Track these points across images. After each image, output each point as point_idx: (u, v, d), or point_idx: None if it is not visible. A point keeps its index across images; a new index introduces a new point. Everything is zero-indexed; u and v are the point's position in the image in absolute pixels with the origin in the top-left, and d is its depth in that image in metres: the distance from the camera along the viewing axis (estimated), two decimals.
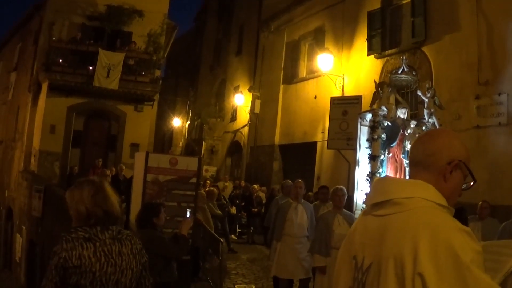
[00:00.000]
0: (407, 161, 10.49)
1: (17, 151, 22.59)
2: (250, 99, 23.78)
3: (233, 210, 16.71)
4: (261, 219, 14.67)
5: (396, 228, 1.77)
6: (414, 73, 12.12)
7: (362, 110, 13.08)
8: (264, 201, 16.02)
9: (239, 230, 17.06)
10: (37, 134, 19.77)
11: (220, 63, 30.25)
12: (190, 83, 35.32)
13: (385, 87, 11.41)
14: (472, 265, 1.60)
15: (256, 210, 15.92)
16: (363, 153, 11.13)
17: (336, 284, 2.07)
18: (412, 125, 10.92)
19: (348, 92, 17.08)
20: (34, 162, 19.75)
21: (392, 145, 10.91)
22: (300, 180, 8.59)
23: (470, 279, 1.58)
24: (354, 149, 11.89)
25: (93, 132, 20.68)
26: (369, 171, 10.65)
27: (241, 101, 24.59)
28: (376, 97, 11.42)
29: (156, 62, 20.69)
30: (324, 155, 17.88)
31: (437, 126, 10.47)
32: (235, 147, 26.52)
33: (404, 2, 15.76)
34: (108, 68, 18.86)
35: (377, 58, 16.14)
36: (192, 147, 29.92)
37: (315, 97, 19.05)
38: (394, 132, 10.91)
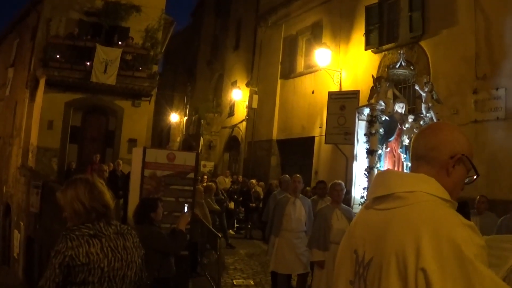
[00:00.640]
0: (405, 156, 10.60)
1: (14, 147, 22.52)
2: (248, 94, 23.77)
3: (231, 205, 16.69)
4: (259, 214, 14.67)
5: (398, 223, 1.73)
6: (411, 68, 12.09)
7: (360, 105, 13.07)
8: (262, 196, 16.01)
9: (237, 225, 17.06)
10: (35, 130, 19.71)
11: (217, 58, 30.21)
12: (188, 78, 35.27)
13: (382, 81, 11.37)
14: (476, 260, 1.57)
15: (254, 205, 15.92)
16: (360, 147, 11.12)
17: (336, 277, 2.05)
18: (409, 120, 10.91)
19: (346, 87, 17.06)
20: (31, 158, 19.69)
21: (390, 139, 10.90)
22: (298, 175, 8.58)
23: (474, 274, 1.55)
24: (352, 144, 11.86)
25: (91, 127, 20.62)
26: (367, 165, 10.64)
27: (239, 96, 24.57)
28: (373, 91, 11.39)
29: (153, 58, 20.64)
30: (322, 150, 17.86)
31: (435, 121, 10.43)
32: (232, 142, 26.51)
33: None
34: (105, 64, 18.80)
35: (375, 52, 16.11)
36: (189, 142, 29.89)
37: (313, 92, 19.02)
38: (392, 127, 10.89)
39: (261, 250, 13.02)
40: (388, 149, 10.93)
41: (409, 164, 9.55)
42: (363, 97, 14.08)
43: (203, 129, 27.83)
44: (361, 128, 11.26)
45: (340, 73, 17.62)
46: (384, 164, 10.82)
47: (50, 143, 19.22)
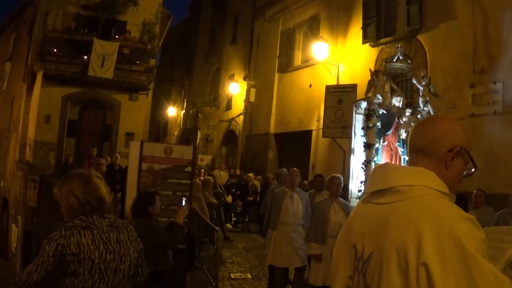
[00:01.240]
0: (402, 149, 10.61)
1: (12, 141, 22.51)
2: (245, 88, 23.74)
3: (229, 199, 16.72)
4: (257, 207, 14.67)
5: (398, 217, 1.72)
6: (409, 62, 12.09)
7: (357, 99, 13.04)
8: (259, 190, 16.02)
9: (235, 219, 17.07)
10: (32, 124, 19.69)
11: (215, 52, 30.15)
12: (185, 72, 35.25)
13: (380, 75, 11.38)
14: (477, 254, 1.56)
15: (251, 198, 15.93)
16: (358, 141, 11.13)
17: (335, 273, 2.03)
18: (407, 114, 10.92)
19: (343, 81, 17.04)
20: (29, 152, 19.68)
21: (387, 133, 10.91)
22: (295, 169, 8.54)
23: (476, 268, 1.54)
24: (349, 138, 11.87)
25: (88, 121, 20.60)
26: (364, 159, 10.66)
27: (236, 90, 24.52)
28: (371, 85, 11.39)
29: (150, 51, 20.61)
30: (319, 144, 17.85)
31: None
32: (230, 136, 26.49)
33: None
34: (102, 58, 18.78)
35: (372, 46, 16.07)
36: (187, 136, 29.89)
37: (310, 86, 19.00)
38: (389, 121, 10.90)
39: (258, 244, 13.04)
40: (386, 143, 10.94)
41: (407, 158, 9.56)
42: (361, 91, 14.07)
43: (201, 122, 27.80)
44: (358, 121, 11.27)
45: (338, 67, 17.59)
46: (382, 158, 10.83)
47: (48, 137, 19.21)
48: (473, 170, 1.93)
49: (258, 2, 23.88)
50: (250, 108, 23.31)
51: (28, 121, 20.33)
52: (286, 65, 21.26)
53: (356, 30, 16.90)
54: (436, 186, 1.76)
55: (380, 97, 10.93)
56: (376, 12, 16.09)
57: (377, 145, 10.80)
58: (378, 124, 10.81)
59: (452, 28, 13.26)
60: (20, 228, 16.95)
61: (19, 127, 21.18)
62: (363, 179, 10.51)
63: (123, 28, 20.22)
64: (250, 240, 14.04)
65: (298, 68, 20.48)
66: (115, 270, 3.02)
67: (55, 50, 18.92)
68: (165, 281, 5.90)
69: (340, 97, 15.46)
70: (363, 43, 16.43)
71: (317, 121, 17.88)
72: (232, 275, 10.18)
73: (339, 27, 17.88)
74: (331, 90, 16.06)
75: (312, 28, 19.68)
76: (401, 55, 11.63)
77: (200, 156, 23.91)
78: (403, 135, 10.71)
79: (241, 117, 24.52)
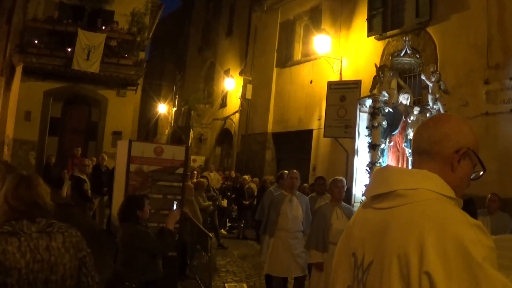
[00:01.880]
0: (410, 150, 10.62)
1: None
2: (241, 84, 23.75)
3: (224, 203, 16.73)
4: (253, 212, 14.70)
5: (399, 223, 1.72)
6: (417, 56, 12.14)
7: (362, 96, 13.09)
8: (256, 193, 16.03)
9: (230, 224, 17.07)
10: (11, 121, 19.66)
11: (209, 45, 30.15)
12: (177, 67, 35.26)
13: (386, 70, 11.42)
14: (485, 263, 1.55)
15: (247, 202, 15.93)
16: (362, 141, 11.17)
17: (333, 283, 2.04)
18: (415, 112, 10.95)
19: (347, 76, 17.06)
20: (7, 151, 19.66)
21: (393, 133, 10.94)
22: (295, 171, 8.55)
23: (483, 278, 1.53)
24: (353, 138, 11.93)
25: (72, 119, 20.61)
26: (369, 161, 10.69)
27: (232, 85, 24.55)
28: (376, 81, 11.44)
29: (140, 44, 20.63)
30: (320, 144, 17.88)
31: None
32: (225, 135, 26.52)
33: None
34: (88, 50, 18.78)
35: (378, 39, 16.09)
36: (178, 135, 29.90)
37: (311, 82, 19.03)
38: (396, 119, 10.93)
39: (255, 251, 13.04)
40: (392, 143, 10.98)
41: None
42: (365, 88, 14.09)
43: (193, 121, 27.81)
44: (362, 120, 11.31)
45: (341, 62, 17.62)
46: (387, 160, 10.86)
47: (28, 136, 19.19)
48: (481, 173, 1.91)
49: None
50: (246, 105, 23.32)
51: (7, 118, 20.29)
52: (285, 60, 21.28)
53: (360, 22, 16.92)
54: (441, 190, 1.76)
55: (386, 94, 10.97)
56: (382, 2, 16.11)
57: (382, 145, 10.84)
58: (384, 123, 10.85)
59: (465, 20, 13.24)
60: None
61: None
62: (368, 182, 10.54)
63: (110, 18, 20.23)
64: (246, 247, 14.05)
65: (298, 63, 20.50)
66: (45, 282, 2.93)
67: (36, 41, 18.93)
68: None
69: (343, 94, 15.50)
70: (368, 36, 16.45)
71: (318, 119, 17.90)
72: (226, 285, 10.18)
73: (342, 18, 17.90)
74: (333, 87, 16.09)
75: (313, 20, 19.72)
76: (409, 49, 11.69)
77: (192, 157, 23.93)
78: (411, 135, 10.73)
79: (237, 115, 24.54)
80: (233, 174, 19.56)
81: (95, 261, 3.26)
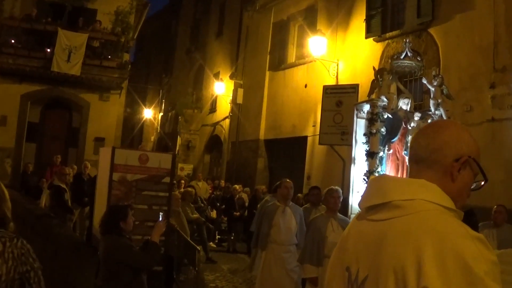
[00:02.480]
0: None
1: None
2: (232, 88, 23.77)
3: (213, 214, 16.70)
4: (244, 224, 14.67)
5: (396, 235, 1.71)
6: (419, 59, 12.15)
7: (359, 101, 13.12)
8: (247, 204, 16.01)
9: (219, 236, 17.05)
10: None
11: (198, 46, 30.18)
12: (164, 69, 35.25)
13: (385, 74, 11.44)
14: (487, 278, 1.55)
15: (238, 214, 15.89)
16: (359, 149, 11.18)
17: None
18: (416, 118, 10.96)
19: (343, 80, 17.10)
20: None
21: (393, 140, 10.96)
22: (288, 180, 8.53)
23: None
24: (350, 145, 11.93)
25: (51, 124, 20.56)
26: (367, 170, 10.70)
27: (222, 89, 24.57)
28: (375, 85, 11.45)
29: (124, 45, 20.60)
30: (315, 152, 17.90)
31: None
32: (214, 142, 26.52)
33: None
34: (68, 51, 18.75)
35: (377, 41, 16.16)
36: (165, 142, 29.91)
37: (306, 86, 19.06)
38: (396, 126, 10.95)
39: (245, 266, 13.00)
40: (391, 151, 10.99)
41: None
42: (363, 92, 14.12)
43: (181, 127, 27.80)
44: (360, 127, 11.32)
45: (337, 65, 17.66)
46: (386, 168, 10.87)
47: (3, 142, 19.12)
48: (482, 182, 1.91)
49: None
50: (237, 110, 23.34)
51: None
52: (279, 62, 21.31)
53: (358, 23, 16.98)
54: (439, 201, 1.76)
55: (385, 99, 10.99)
56: (382, 2, 16.18)
57: (381, 153, 10.85)
58: (383, 129, 10.86)
59: (470, 20, 13.25)
60: None
61: None
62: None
63: (92, 17, 20.23)
64: (236, 261, 14.04)
65: (292, 66, 20.54)
66: None
67: (13, 41, 18.88)
68: None
69: (339, 98, 15.54)
70: (366, 38, 16.51)
71: (313, 126, 17.93)
72: None
73: (339, 19, 17.96)
74: (329, 91, 16.13)
75: (309, 20, 19.76)
76: (409, 51, 11.71)
77: (180, 165, 23.94)
78: None
79: (227, 120, 24.55)
80: (222, 183, 19.56)
81: (75, 276, 3.24)
